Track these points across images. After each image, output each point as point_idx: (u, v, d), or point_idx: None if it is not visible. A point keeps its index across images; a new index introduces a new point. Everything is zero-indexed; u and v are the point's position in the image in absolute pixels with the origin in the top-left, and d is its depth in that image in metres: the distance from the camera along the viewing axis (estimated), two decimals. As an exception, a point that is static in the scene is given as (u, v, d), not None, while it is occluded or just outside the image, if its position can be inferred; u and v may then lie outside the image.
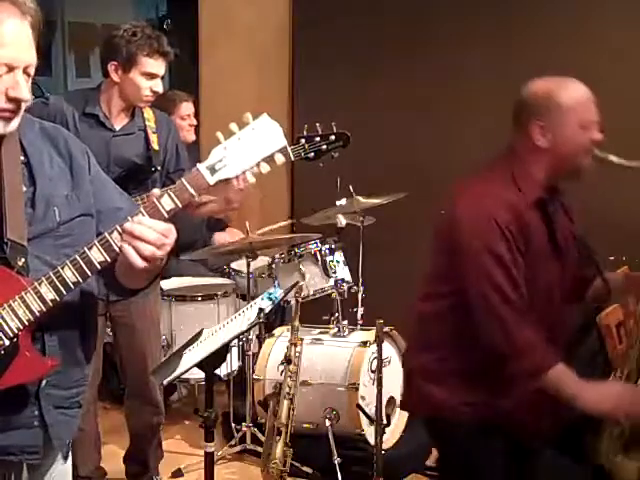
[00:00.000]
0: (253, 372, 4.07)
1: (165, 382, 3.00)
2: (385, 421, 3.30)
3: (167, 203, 1.80)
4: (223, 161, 1.79)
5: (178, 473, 4.02)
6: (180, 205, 1.80)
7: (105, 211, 2.03)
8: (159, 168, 3.48)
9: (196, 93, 5.47)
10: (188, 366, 2.64)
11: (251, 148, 1.80)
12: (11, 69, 1.79)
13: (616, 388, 2.45)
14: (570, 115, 2.43)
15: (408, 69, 4.95)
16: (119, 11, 8.29)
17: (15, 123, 1.85)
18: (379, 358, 3.26)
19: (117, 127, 3.46)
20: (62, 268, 1.79)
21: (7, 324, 1.79)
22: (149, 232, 1.75)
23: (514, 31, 4.72)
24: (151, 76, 3.38)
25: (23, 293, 1.79)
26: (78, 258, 1.79)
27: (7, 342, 1.80)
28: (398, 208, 4.33)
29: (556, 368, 2.36)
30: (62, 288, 1.79)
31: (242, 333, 2.98)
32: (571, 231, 2.63)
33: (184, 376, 2.90)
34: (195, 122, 4.88)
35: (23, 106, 1.83)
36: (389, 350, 3.98)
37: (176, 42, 8.76)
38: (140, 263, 1.76)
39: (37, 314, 1.80)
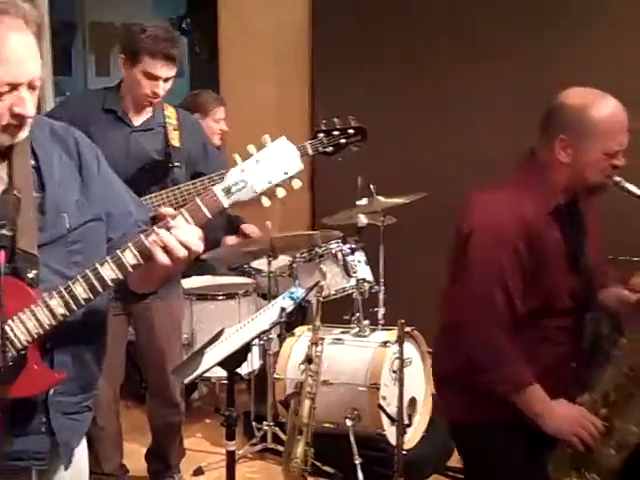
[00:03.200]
0: (274, 371, 4.07)
1: (186, 381, 3.01)
2: (406, 421, 3.29)
3: None
4: (239, 184, 1.78)
5: (199, 471, 4.04)
6: (193, 224, 1.80)
7: (115, 214, 2.02)
8: (177, 164, 3.47)
9: (217, 93, 5.46)
10: (210, 365, 2.64)
11: (268, 171, 1.78)
12: (15, 86, 1.77)
13: (573, 412, 2.44)
14: (596, 139, 2.38)
15: (428, 68, 4.95)
16: (139, 11, 8.32)
17: (22, 135, 1.84)
18: (400, 358, 3.25)
19: (136, 123, 3.48)
20: (73, 283, 1.79)
21: (17, 337, 1.78)
22: (183, 234, 1.77)
23: (536, 29, 4.70)
24: (152, 77, 3.36)
25: (33, 306, 1.78)
26: (90, 274, 1.79)
27: (15, 354, 1.79)
28: (419, 207, 4.31)
29: (530, 388, 2.40)
30: (73, 304, 1.79)
31: (264, 332, 2.97)
32: (593, 237, 2.62)
33: (205, 375, 2.90)
34: (226, 128, 4.78)
35: (28, 121, 1.83)
36: (410, 350, 3.97)
37: (195, 42, 8.78)
38: (167, 261, 1.77)
39: (47, 328, 1.79)
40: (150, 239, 1.78)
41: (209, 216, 1.79)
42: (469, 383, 2.50)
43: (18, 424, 1.86)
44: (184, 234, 1.77)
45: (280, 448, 3.85)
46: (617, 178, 2.44)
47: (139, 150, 3.45)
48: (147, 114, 3.50)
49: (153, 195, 3.36)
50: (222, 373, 2.70)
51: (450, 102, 4.90)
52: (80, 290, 1.79)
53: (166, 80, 3.39)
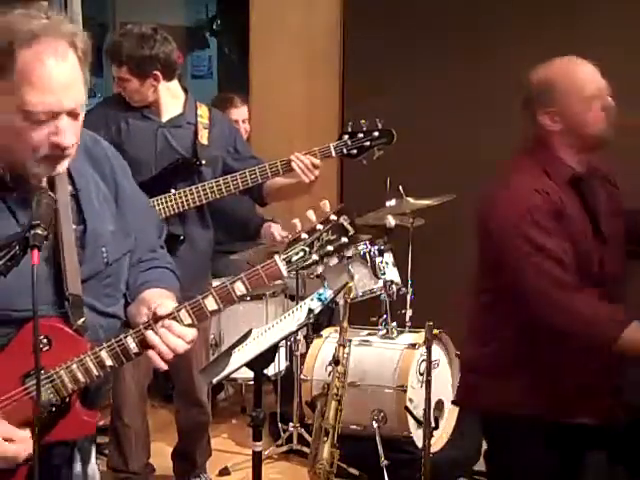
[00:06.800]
0: (301, 372, 4.07)
1: (214, 381, 3.01)
2: (433, 424, 3.27)
3: (239, 289, 1.85)
4: (300, 253, 1.89)
5: (225, 471, 4.04)
6: (251, 290, 1.87)
7: (138, 239, 1.99)
8: (204, 162, 3.47)
9: (247, 94, 5.47)
10: (237, 365, 2.65)
11: (326, 244, 1.93)
12: (53, 116, 1.67)
13: None
14: (570, 94, 2.44)
15: (459, 69, 4.91)
16: (169, 11, 8.37)
17: (61, 168, 1.76)
18: (428, 360, 3.24)
19: (164, 119, 3.51)
20: (125, 337, 1.78)
21: (64, 385, 1.77)
22: (177, 341, 1.80)
23: (572, 31, 4.65)
24: (117, 78, 3.47)
25: (83, 356, 1.77)
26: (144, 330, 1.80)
27: (60, 401, 1.78)
28: (447, 210, 4.29)
29: (628, 329, 2.31)
30: (122, 357, 1.79)
31: (291, 333, 2.98)
32: (615, 210, 2.59)
33: (232, 375, 2.91)
34: (242, 129, 4.65)
35: (69, 152, 1.73)
36: (438, 353, 3.95)
37: (225, 42, 8.81)
38: (163, 366, 1.81)
39: (94, 378, 1.79)
40: (148, 333, 1.80)
41: (268, 285, 1.95)
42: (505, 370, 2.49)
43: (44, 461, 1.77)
44: (174, 339, 1.80)
45: (306, 449, 3.85)
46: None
47: (167, 146, 3.47)
48: (176, 111, 3.52)
49: (179, 192, 3.36)
50: (249, 374, 2.70)
51: (482, 103, 4.86)
52: (132, 345, 1.80)
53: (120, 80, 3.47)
